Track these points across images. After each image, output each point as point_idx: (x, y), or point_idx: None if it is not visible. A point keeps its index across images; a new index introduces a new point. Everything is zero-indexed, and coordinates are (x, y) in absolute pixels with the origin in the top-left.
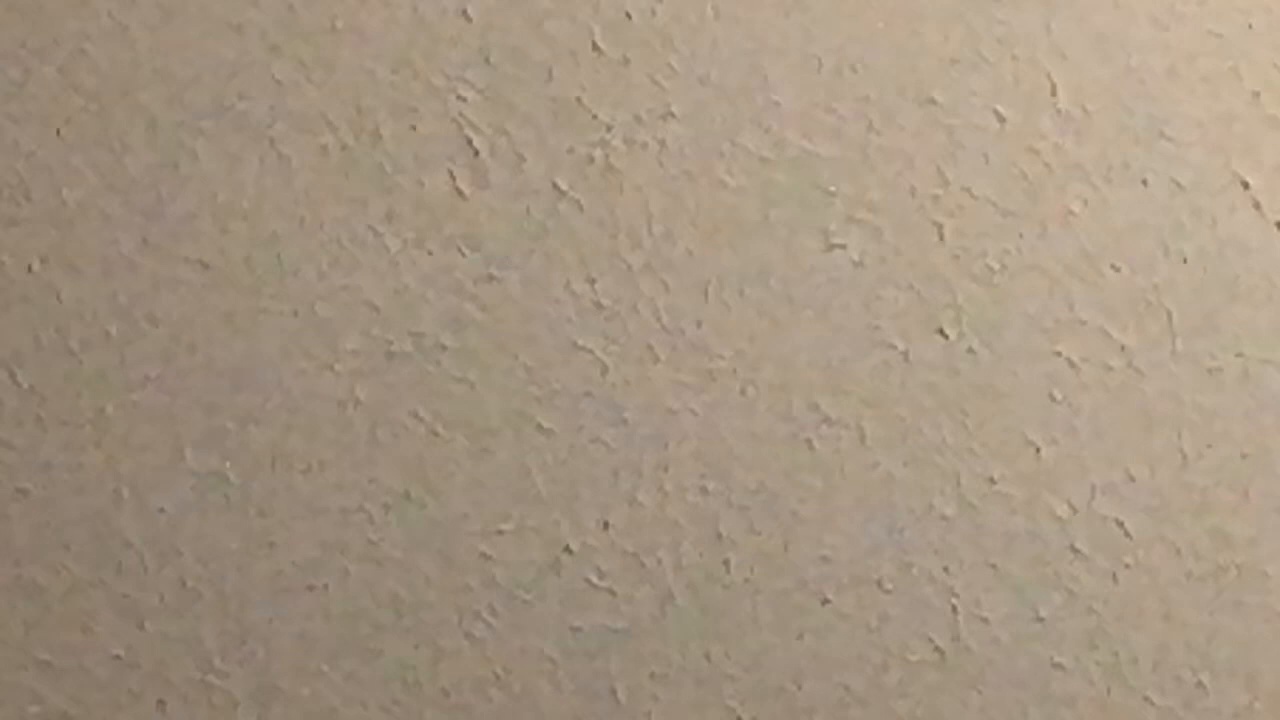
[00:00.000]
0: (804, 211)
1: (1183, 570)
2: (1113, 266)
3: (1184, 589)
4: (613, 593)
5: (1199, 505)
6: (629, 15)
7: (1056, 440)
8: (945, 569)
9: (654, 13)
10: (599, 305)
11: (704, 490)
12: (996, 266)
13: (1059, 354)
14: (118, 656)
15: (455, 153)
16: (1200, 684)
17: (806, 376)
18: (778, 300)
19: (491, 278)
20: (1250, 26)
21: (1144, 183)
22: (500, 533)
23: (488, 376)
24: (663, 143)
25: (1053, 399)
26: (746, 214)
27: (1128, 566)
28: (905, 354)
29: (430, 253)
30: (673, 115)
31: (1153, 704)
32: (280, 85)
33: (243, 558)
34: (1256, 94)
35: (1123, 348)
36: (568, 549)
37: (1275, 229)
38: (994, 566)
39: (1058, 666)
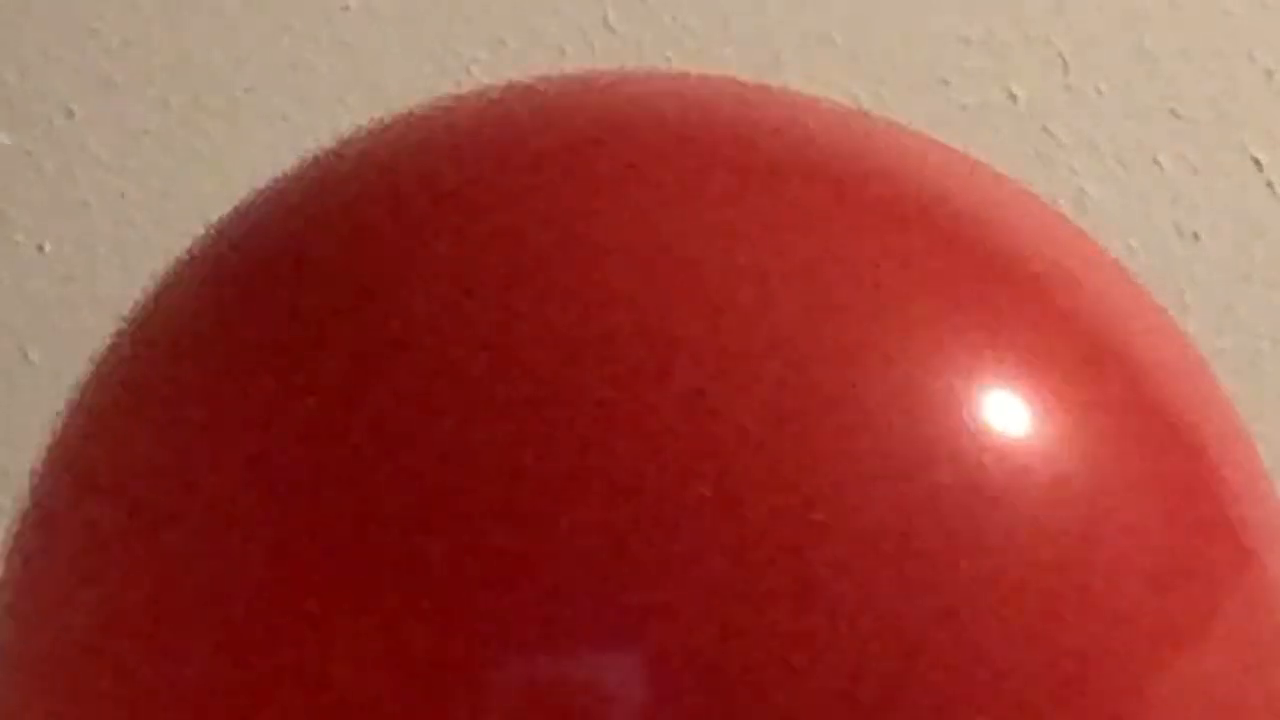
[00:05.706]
0: None
1: None
2: (1125, 246)
3: None
4: None
5: None
6: None
7: None
8: None
9: None
10: None
11: None
12: None
13: None
14: None
15: None
16: None
17: None
18: None
19: None
20: (1264, 5)
21: (1156, 162)
22: None
23: None
24: None
25: None
26: None
27: None
28: None
29: None
30: None
31: None
32: (293, 65)
33: None
34: (1270, 73)
35: None
36: None
37: None
38: None
39: None
